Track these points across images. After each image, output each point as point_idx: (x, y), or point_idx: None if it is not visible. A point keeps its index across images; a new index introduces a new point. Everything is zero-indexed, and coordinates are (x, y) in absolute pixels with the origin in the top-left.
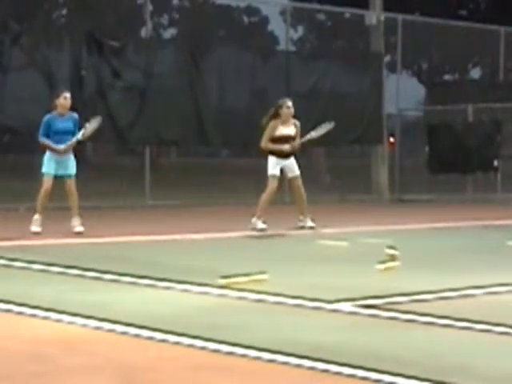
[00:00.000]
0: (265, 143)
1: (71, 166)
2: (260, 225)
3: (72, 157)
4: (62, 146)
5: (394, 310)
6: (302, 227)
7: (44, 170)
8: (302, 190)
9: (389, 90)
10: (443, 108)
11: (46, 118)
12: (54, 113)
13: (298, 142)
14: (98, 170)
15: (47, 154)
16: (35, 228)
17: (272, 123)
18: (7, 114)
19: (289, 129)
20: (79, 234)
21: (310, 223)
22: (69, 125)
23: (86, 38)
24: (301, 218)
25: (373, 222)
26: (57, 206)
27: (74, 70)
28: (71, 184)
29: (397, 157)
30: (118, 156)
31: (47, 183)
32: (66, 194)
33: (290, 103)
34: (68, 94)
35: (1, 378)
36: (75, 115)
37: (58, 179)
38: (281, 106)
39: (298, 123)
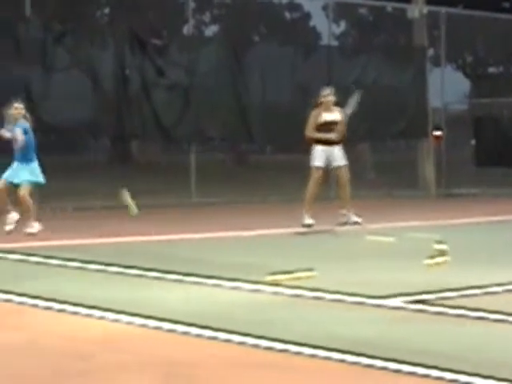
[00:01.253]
0: (309, 131)
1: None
2: (307, 220)
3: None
4: None
5: (442, 305)
6: (345, 223)
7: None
8: (347, 180)
9: (433, 84)
10: (489, 101)
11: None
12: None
13: (343, 126)
14: (145, 168)
15: None
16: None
17: (314, 111)
18: (52, 114)
19: (333, 115)
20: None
21: (354, 218)
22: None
23: (130, 37)
24: (343, 212)
25: (420, 217)
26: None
27: (118, 69)
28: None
29: (443, 151)
30: (164, 154)
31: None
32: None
33: (328, 91)
34: (17, 104)
35: (50, 376)
36: (20, 125)
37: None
38: (322, 95)
39: (342, 111)
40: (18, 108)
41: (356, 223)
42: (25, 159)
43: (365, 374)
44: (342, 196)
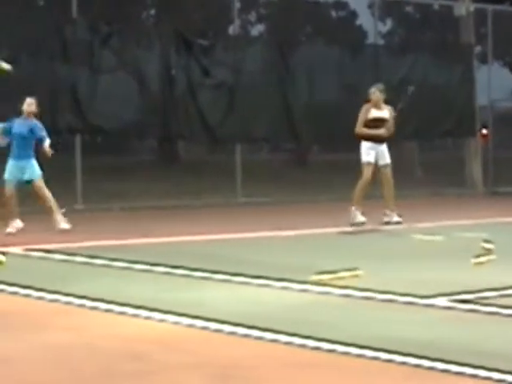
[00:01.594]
0: (359, 128)
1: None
2: (359, 218)
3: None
4: None
5: (489, 304)
6: (388, 223)
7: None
8: (391, 179)
9: (480, 82)
10: None
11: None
12: (22, 116)
13: (392, 123)
14: (191, 168)
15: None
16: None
17: (364, 107)
18: (99, 115)
19: (382, 112)
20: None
21: (396, 218)
22: (23, 130)
23: (175, 38)
24: (387, 212)
25: (467, 216)
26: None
27: (164, 70)
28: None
29: (490, 149)
30: (210, 154)
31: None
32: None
33: (373, 89)
34: (30, 100)
35: (99, 377)
36: (35, 123)
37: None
38: (372, 92)
39: (391, 109)
40: (30, 104)
41: (398, 223)
42: (26, 156)
43: (412, 374)
44: (386, 195)
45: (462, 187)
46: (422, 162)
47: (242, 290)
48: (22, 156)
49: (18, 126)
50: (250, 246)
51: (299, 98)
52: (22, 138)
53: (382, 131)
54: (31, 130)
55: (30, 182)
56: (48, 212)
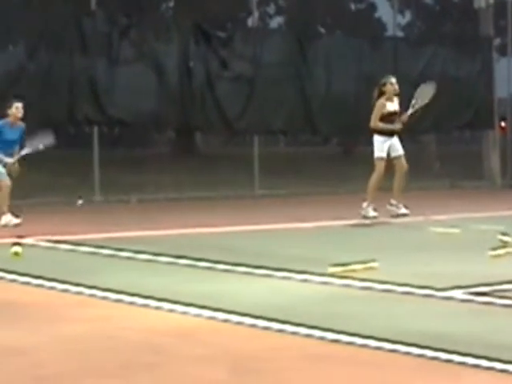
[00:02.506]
0: (374, 122)
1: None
2: (371, 212)
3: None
4: (10, 160)
5: (507, 297)
6: (394, 214)
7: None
8: (405, 170)
9: (499, 74)
10: None
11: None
12: (7, 121)
13: (405, 116)
14: (209, 160)
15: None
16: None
17: (379, 102)
18: (117, 107)
19: (394, 105)
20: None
21: (403, 210)
22: (17, 135)
23: (194, 30)
24: (393, 202)
25: (485, 209)
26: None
27: (182, 62)
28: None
29: (509, 142)
30: (228, 146)
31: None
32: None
33: (393, 80)
34: (20, 105)
35: (119, 368)
36: (23, 126)
37: None
38: (384, 84)
39: (398, 99)
40: (18, 107)
41: (404, 215)
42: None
43: (429, 366)
44: (396, 185)
45: (479, 180)
46: (439, 154)
47: (263, 283)
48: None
49: (10, 132)
50: (268, 238)
51: (317, 90)
52: (13, 142)
53: (396, 125)
54: (21, 135)
55: None
56: None
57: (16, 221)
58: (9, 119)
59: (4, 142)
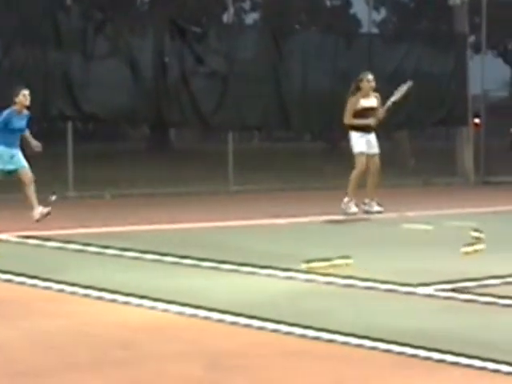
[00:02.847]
0: (348, 119)
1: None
2: (353, 208)
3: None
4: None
5: (479, 293)
6: (367, 211)
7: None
8: (379, 168)
9: (473, 71)
10: None
11: (7, 112)
12: (14, 109)
13: (381, 112)
14: (183, 156)
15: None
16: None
17: (352, 98)
18: (92, 103)
19: (370, 101)
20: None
21: (376, 208)
22: (23, 123)
23: (169, 25)
24: (366, 201)
25: (458, 205)
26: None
27: (157, 57)
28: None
29: (482, 138)
30: (203, 142)
31: None
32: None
33: (370, 76)
34: (27, 92)
35: (89, 364)
36: (28, 113)
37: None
38: (361, 80)
39: (378, 96)
40: (25, 95)
41: (379, 212)
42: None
43: (409, 364)
44: (369, 183)
45: (453, 176)
46: (413, 150)
47: (233, 278)
48: (14, 145)
49: (17, 121)
50: (241, 233)
51: (293, 86)
52: (20, 131)
53: (371, 121)
54: (27, 123)
55: (14, 171)
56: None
57: (46, 209)
58: (15, 107)
59: (11, 131)
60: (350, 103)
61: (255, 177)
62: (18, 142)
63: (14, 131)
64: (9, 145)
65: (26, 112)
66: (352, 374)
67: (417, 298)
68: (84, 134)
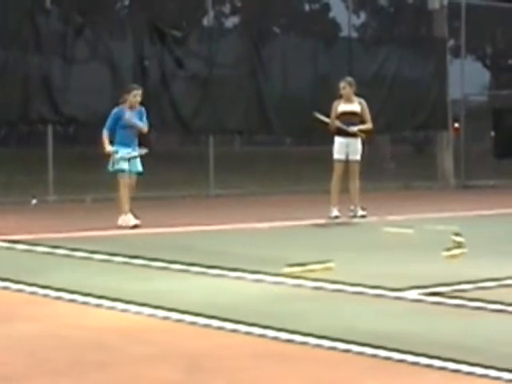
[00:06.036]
0: (332, 122)
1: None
2: (334, 212)
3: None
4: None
5: (459, 297)
6: (354, 217)
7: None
8: (357, 176)
9: (453, 75)
10: (508, 92)
11: (115, 111)
12: (123, 106)
13: (369, 121)
14: (163, 159)
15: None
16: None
17: (334, 103)
18: (71, 106)
19: (352, 105)
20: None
21: (360, 212)
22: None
23: (149, 29)
24: (351, 207)
25: (438, 209)
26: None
27: (137, 61)
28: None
29: (462, 142)
30: (183, 145)
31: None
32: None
33: (341, 84)
34: (139, 92)
35: (64, 367)
36: (142, 109)
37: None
38: (339, 87)
39: (363, 102)
40: (136, 95)
41: (363, 217)
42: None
43: (383, 366)
44: (352, 189)
45: (433, 180)
46: (393, 154)
47: (214, 282)
48: (134, 145)
49: (129, 116)
50: (222, 238)
51: (273, 90)
52: (131, 128)
53: (351, 129)
54: (140, 119)
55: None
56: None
57: (135, 221)
58: (125, 105)
59: (124, 127)
60: (332, 108)
61: (236, 181)
62: (134, 141)
63: (125, 127)
64: (126, 144)
65: (138, 108)
66: (326, 376)
67: (391, 301)
68: (64, 137)
